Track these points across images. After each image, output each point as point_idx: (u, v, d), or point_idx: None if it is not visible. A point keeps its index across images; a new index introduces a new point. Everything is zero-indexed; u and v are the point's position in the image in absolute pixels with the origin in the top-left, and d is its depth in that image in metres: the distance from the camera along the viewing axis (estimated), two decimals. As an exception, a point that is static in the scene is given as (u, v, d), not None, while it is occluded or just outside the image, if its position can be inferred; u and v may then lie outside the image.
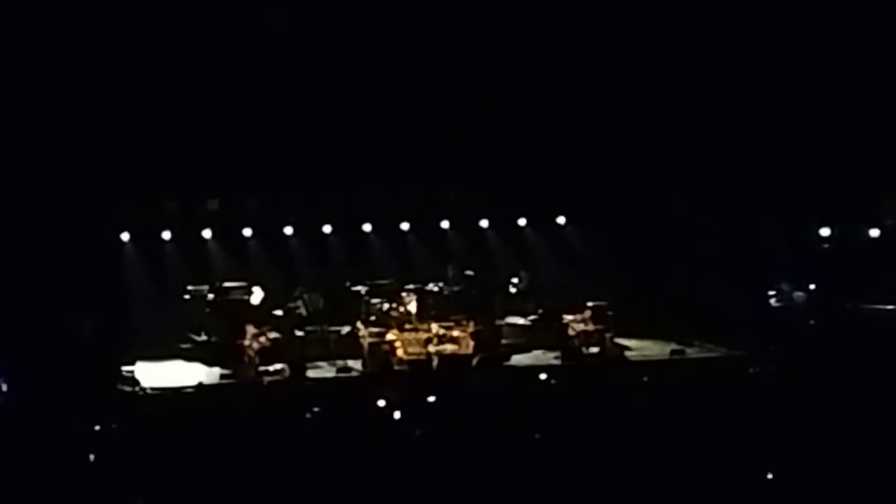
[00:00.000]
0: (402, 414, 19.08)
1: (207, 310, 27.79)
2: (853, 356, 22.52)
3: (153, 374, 25.75)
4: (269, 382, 25.44)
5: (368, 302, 27.54)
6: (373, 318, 27.12)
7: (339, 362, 26.31)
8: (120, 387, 24.54)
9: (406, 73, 26.84)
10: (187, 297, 28.12)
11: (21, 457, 16.18)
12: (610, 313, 27.63)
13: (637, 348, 27.80)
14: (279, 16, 26.10)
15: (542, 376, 24.15)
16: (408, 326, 26.87)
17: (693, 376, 23.97)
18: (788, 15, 26.39)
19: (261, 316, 26.99)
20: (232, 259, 29.04)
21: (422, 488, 15.06)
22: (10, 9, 24.90)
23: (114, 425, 18.67)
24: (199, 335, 27.61)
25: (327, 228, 29.51)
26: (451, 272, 28.82)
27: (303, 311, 27.87)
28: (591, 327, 27.36)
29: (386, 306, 27.27)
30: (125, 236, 28.57)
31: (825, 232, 28.67)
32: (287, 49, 26.33)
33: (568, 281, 29.51)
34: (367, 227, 29.75)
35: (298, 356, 26.27)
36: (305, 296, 28.02)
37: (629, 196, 29.38)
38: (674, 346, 27.29)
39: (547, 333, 27.86)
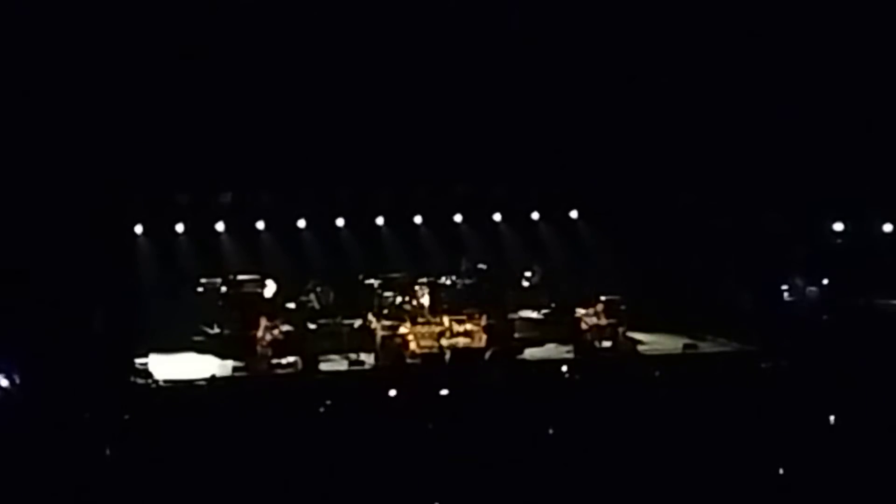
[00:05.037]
0: (414, 407, 19.12)
1: (220, 303, 27.85)
2: (866, 351, 22.50)
3: (166, 367, 25.81)
4: (282, 375, 25.49)
5: (381, 295, 27.57)
6: (385, 311, 27.16)
7: (352, 355, 26.33)
8: (133, 379, 24.61)
9: (420, 67, 26.82)
10: (200, 289, 28.17)
11: (35, 449, 16.23)
12: (622, 307, 27.66)
13: (649, 342, 27.80)
14: (294, 9, 26.10)
15: (564, 368, 24.24)
16: (420, 320, 26.91)
17: (705, 371, 23.98)
18: (803, 9, 26.33)
19: (273, 309, 27.03)
20: (245, 252, 29.05)
21: (434, 482, 15.08)
22: (24, 2, 24.95)
23: (126, 417, 18.74)
24: (212, 328, 27.67)
25: (340, 221, 29.53)
26: (463, 266, 28.84)
27: (315, 304, 27.92)
28: (603, 321, 27.39)
29: (399, 300, 27.32)
30: (138, 229, 28.57)
31: (838, 227, 28.61)
32: (300, 42, 26.32)
33: (580, 275, 29.51)
34: (380, 221, 29.74)
35: (311, 349, 26.30)
36: (318, 289, 28.06)
37: (642, 190, 29.34)
38: (686, 341, 27.31)
39: (559, 327, 27.88)
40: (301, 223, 29.39)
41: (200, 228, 28.94)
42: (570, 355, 26.74)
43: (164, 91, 25.88)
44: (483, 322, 26.87)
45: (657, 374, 23.06)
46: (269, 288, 27.69)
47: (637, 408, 17.89)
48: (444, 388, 20.36)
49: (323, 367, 25.93)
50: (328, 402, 18.96)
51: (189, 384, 24.40)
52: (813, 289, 28.82)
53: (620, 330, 27.40)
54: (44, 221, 25.19)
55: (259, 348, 26.10)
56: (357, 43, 26.52)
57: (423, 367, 25.64)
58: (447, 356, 26.10)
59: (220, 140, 26.48)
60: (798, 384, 20.16)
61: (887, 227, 28.32)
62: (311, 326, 27.31)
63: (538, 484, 15.00)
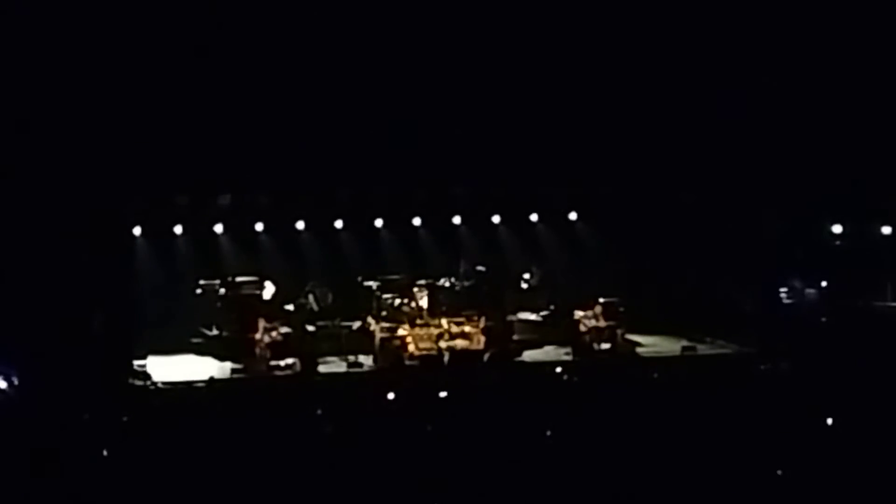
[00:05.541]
0: (413, 409, 19.11)
1: (219, 304, 27.84)
2: (864, 353, 22.50)
3: (164, 369, 25.80)
4: (280, 377, 25.48)
5: (380, 297, 27.53)
6: (384, 313, 27.13)
7: (350, 357, 26.31)
8: (131, 381, 24.60)
9: (418, 69, 26.81)
10: (199, 291, 28.15)
11: (33, 450, 16.22)
12: (621, 309, 27.66)
13: (648, 344, 27.80)
14: (290, 10, 26.10)
15: (558, 370, 24.23)
16: (419, 322, 26.89)
17: (704, 373, 23.97)
18: (801, 10, 26.33)
19: (272, 311, 27.02)
20: (243, 254, 29.02)
21: (433, 484, 15.07)
22: (21, 4, 24.95)
23: (125, 419, 18.73)
24: (211, 330, 27.66)
25: (339, 223, 29.50)
26: (462, 268, 28.80)
27: (314, 306, 27.89)
28: (602, 323, 27.38)
29: (397, 301, 27.29)
30: (137, 231, 28.55)
31: (837, 229, 28.61)
32: (299, 44, 26.32)
33: (579, 277, 29.48)
34: (378, 223, 29.72)
35: (309, 351, 26.30)
36: (317, 291, 28.03)
37: (640, 192, 29.32)
38: (685, 343, 27.31)
39: (558, 329, 27.87)
40: (300, 225, 29.36)
41: (199, 230, 28.90)
42: (569, 357, 26.73)
43: (164, 92, 25.87)
44: (482, 324, 26.87)
45: (656, 376, 23.07)
46: (268, 290, 27.68)
47: (636, 410, 17.89)
48: (443, 390, 20.36)
49: (321, 368, 25.91)
50: (327, 404, 18.94)
51: (187, 386, 24.41)
52: (812, 291, 28.82)
53: (619, 332, 27.40)
54: (43, 222, 25.18)
55: (258, 350, 26.10)
56: (356, 44, 26.51)
57: (422, 369, 25.63)
58: (446, 358, 26.11)
59: (219, 141, 26.47)
60: (797, 386, 20.16)
61: (886, 230, 28.31)
62: (310, 328, 27.31)
63: (537, 486, 14.99)
